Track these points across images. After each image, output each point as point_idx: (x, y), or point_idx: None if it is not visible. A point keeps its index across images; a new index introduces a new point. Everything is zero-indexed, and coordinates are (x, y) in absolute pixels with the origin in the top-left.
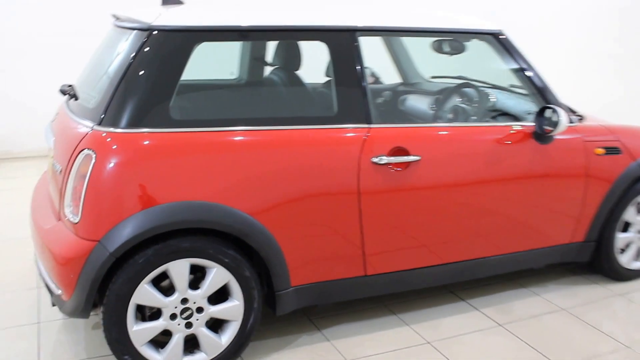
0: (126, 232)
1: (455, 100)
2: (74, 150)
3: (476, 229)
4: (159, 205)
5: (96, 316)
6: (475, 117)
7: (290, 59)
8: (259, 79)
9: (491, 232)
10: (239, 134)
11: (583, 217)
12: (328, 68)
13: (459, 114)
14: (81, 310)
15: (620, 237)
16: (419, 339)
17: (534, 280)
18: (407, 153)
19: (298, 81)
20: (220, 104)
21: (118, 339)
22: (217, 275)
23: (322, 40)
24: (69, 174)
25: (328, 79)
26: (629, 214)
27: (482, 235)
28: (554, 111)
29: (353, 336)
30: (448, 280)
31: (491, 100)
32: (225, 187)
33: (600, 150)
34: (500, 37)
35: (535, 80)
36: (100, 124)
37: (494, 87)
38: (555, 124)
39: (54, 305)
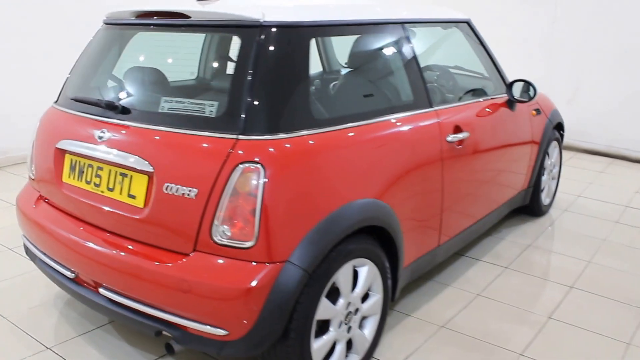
0: (319, 244)
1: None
2: (222, 166)
3: (491, 188)
4: (339, 208)
5: None
6: (451, 95)
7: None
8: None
9: (496, 188)
10: (363, 128)
11: (529, 167)
12: (356, 58)
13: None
14: (268, 343)
15: (543, 180)
16: (469, 295)
17: (489, 229)
18: (461, 130)
19: (378, 73)
20: (340, 99)
21: None
22: (369, 272)
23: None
24: (221, 193)
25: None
26: (545, 161)
27: (493, 192)
28: (529, 83)
29: (423, 306)
30: (471, 238)
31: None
32: (369, 180)
33: (534, 112)
34: (470, 24)
35: (494, 59)
36: (243, 133)
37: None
38: (535, 93)
39: (170, 351)
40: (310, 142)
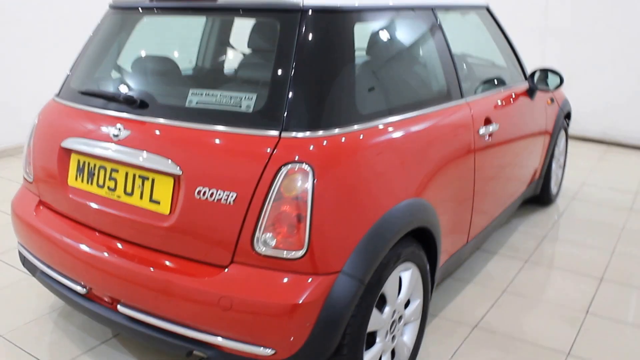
0: (373, 250)
1: None
2: (265, 167)
3: (512, 180)
4: (391, 210)
5: None
6: (477, 85)
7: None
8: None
9: (516, 180)
10: (407, 121)
11: (542, 157)
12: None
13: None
14: None
15: (552, 169)
16: (494, 291)
17: None
18: (490, 122)
19: (417, 62)
20: (383, 91)
21: None
22: (413, 276)
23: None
24: (265, 198)
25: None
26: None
27: (513, 184)
28: (555, 72)
29: (449, 305)
30: (492, 232)
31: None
32: (414, 178)
33: (549, 101)
34: (489, 9)
35: (514, 46)
36: (286, 129)
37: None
38: (561, 81)
39: None
40: (360, 137)
